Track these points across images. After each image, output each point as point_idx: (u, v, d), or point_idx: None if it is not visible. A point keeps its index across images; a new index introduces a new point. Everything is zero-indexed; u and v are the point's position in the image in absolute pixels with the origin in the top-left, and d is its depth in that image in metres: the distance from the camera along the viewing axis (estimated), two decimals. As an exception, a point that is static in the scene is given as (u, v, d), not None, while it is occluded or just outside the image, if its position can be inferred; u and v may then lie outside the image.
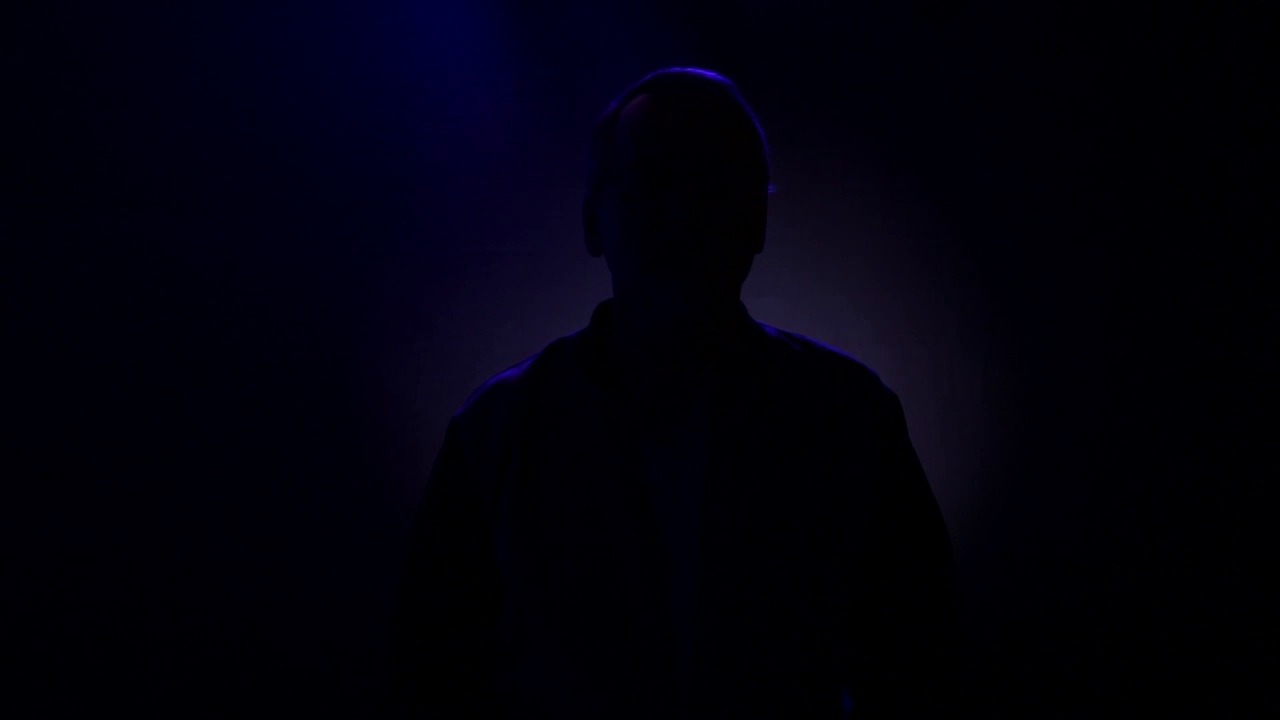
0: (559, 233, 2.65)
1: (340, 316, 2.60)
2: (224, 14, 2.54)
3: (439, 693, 1.39)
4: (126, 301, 2.49)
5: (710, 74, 1.33)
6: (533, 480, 1.33)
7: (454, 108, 2.66)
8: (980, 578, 2.53)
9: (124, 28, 2.49)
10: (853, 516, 1.31)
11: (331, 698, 2.57)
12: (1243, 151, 2.54)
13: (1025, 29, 2.62)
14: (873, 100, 2.67)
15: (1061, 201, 2.63)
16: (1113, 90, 2.60)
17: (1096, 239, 2.61)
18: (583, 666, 1.28)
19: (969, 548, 2.48)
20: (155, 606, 2.48)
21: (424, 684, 1.40)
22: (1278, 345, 2.53)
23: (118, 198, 2.50)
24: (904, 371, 2.62)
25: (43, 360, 2.46)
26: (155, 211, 2.52)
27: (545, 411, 1.35)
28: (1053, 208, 2.63)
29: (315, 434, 2.55)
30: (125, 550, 2.48)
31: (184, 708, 2.49)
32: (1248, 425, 2.53)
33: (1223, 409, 2.55)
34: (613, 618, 1.27)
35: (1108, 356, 2.60)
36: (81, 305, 2.47)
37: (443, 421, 1.45)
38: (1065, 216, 2.62)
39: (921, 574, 1.39)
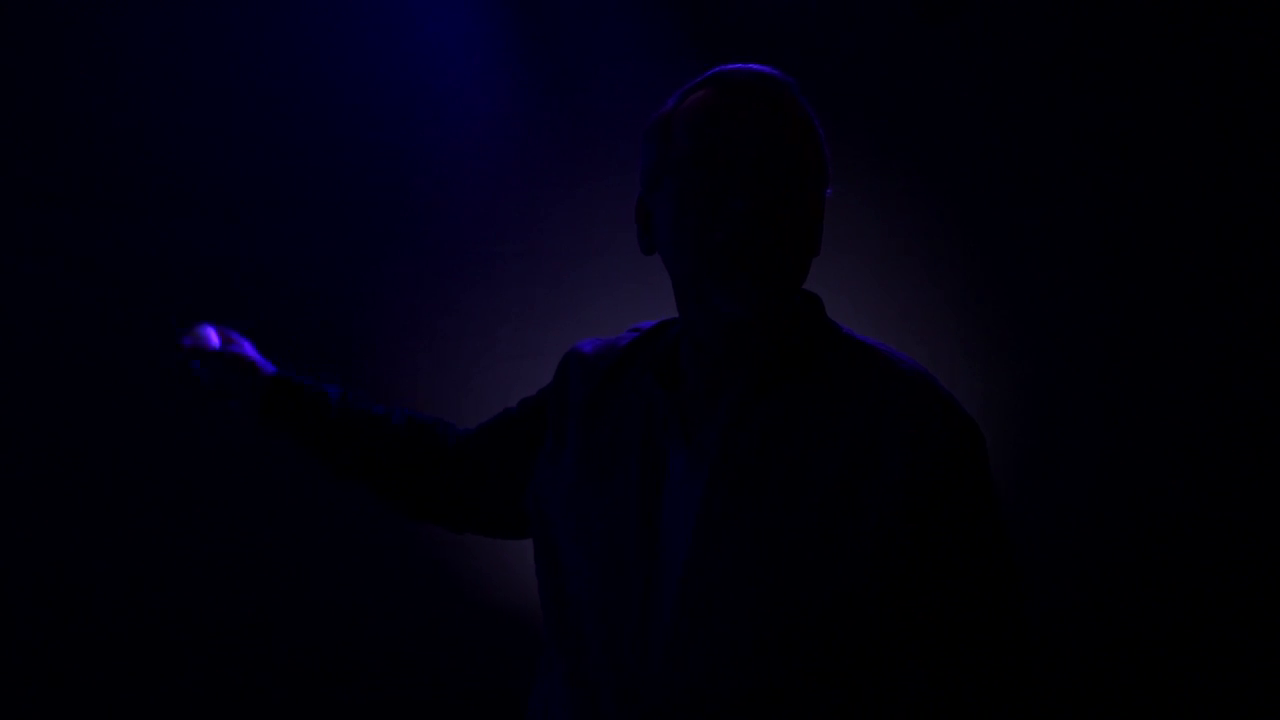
0: (559, 233, 2.65)
1: (340, 317, 2.59)
2: (223, 15, 2.54)
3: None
4: (125, 301, 2.49)
5: (772, 70, 1.30)
6: (581, 442, 1.36)
7: (453, 108, 2.66)
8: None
9: (123, 27, 2.49)
10: (858, 558, 1.19)
11: (331, 697, 2.57)
12: (1244, 151, 2.54)
13: (1025, 29, 2.62)
14: (872, 100, 2.66)
15: (1061, 201, 2.63)
16: (1112, 90, 2.60)
17: (1096, 239, 2.61)
18: (567, 637, 1.32)
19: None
20: (153, 606, 2.49)
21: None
22: (1278, 345, 2.53)
23: (117, 198, 2.50)
24: (904, 371, 2.61)
25: (42, 360, 2.46)
26: (155, 211, 2.52)
27: (616, 386, 1.38)
28: (1053, 208, 2.63)
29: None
30: (124, 550, 2.48)
31: (188, 704, 2.49)
32: (1248, 425, 2.53)
33: (1223, 409, 2.55)
34: (603, 602, 1.27)
35: (1107, 356, 2.60)
36: (80, 305, 2.47)
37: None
38: (1065, 216, 2.62)
39: (969, 643, 1.24)
